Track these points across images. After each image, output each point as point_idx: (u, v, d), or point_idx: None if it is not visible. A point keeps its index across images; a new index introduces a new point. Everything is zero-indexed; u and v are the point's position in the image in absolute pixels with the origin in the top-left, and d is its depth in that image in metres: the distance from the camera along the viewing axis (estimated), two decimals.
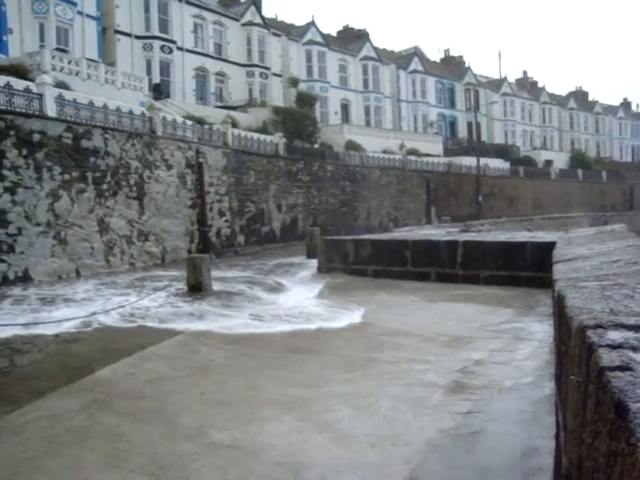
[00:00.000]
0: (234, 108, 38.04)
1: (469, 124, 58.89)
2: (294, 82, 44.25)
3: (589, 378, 1.64)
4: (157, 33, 36.92)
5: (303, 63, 47.94)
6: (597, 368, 1.52)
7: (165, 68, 37.60)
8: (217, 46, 41.72)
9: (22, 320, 10.45)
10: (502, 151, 55.06)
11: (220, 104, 39.96)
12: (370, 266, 14.87)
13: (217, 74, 41.41)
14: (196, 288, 13.01)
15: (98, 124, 19.35)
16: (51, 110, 17.88)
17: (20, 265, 16.00)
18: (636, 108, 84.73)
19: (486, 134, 61.84)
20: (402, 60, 58.38)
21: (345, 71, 51.46)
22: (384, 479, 4.21)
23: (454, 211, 39.65)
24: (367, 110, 52.15)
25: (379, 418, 5.36)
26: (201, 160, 23.13)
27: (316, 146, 36.77)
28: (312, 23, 49.25)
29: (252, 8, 43.70)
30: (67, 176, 17.66)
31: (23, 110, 17.00)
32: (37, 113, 17.36)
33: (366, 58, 52.49)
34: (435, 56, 73.00)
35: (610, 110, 78.43)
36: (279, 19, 53.03)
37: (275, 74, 45.05)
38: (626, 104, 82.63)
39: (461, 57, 67.74)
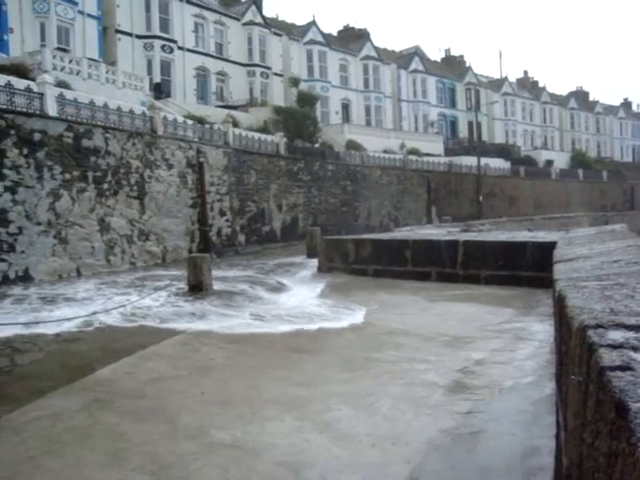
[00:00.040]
0: (235, 108, 38.05)
1: (470, 124, 58.88)
2: (295, 82, 44.25)
3: (590, 378, 1.64)
4: (158, 32, 36.94)
5: (304, 63, 47.94)
6: (598, 368, 1.52)
7: (166, 67, 37.62)
8: (218, 46, 41.74)
9: (23, 319, 10.46)
10: (503, 151, 55.06)
11: (221, 104, 39.99)
12: (371, 266, 14.87)
13: (218, 74, 41.42)
14: (197, 287, 13.01)
15: (99, 123, 19.35)
16: (52, 109, 17.89)
17: (21, 264, 16.01)
18: (637, 108, 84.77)
19: (487, 134, 61.84)
20: (403, 60, 58.38)
21: (346, 71, 51.46)
22: (385, 479, 4.21)
23: (455, 211, 39.64)
24: (368, 110, 52.15)
25: (379, 418, 5.36)
26: (202, 160, 23.13)
27: (317, 146, 36.76)
28: (313, 23, 49.25)
29: (253, 8, 43.71)
30: (68, 175, 17.67)
31: (24, 109, 17.00)
32: (38, 112, 17.36)
33: (367, 58, 52.48)
34: (436, 56, 73.15)
35: (611, 110, 78.41)
36: (280, 19, 53.06)
37: (276, 74, 45.06)
38: (627, 104, 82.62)
39: (462, 57, 67.77)
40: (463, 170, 44.26)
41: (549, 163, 57.45)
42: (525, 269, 12.46)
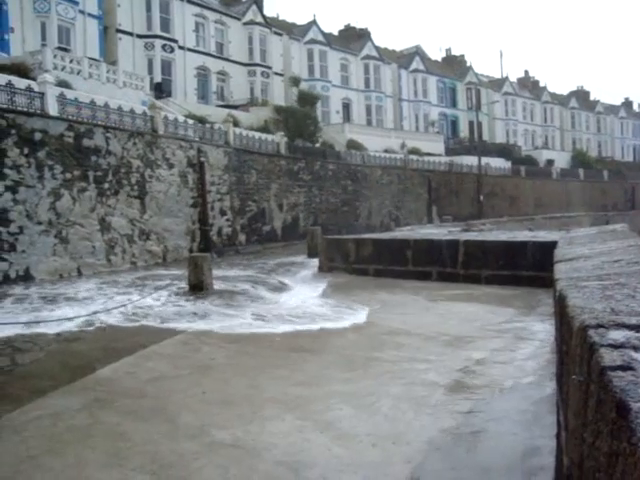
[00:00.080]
0: (235, 107, 38.06)
1: (470, 123, 58.88)
2: (295, 81, 44.24)
3: (590, 378, 1.64)
4: (159, 32, 36.95)
5: (305, 62, 47.94)
6: (598, 368, 1.52)
7: (167, 67, 37.64)
8: (219, 45, 41.74)
9: (24, 319, 10.46)
10: (503, 150, 55.04)
11: (221, 103, 40.00)
12: (371, 265, 14.87)
13: (218, 73, 41.43)
14: (197, 287, 13.01)
15: (100, 123, 19.35)
16: (53, 109, 17.88)
17: (21, 264, 16.02)
18: (637, 108, 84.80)
19: (487, 133, 61.82)
20: (403, 59, 58.37)
21: (346, 70, 51.45)
22: (385, 478, 4.21)
23: (455, 210, 39.62)
24: (368, 109, 52.15)
25: (380, 417, 5.36)
26: (202, 159, 23.14)
27: (317, 145, 36.75)
28: (314, 22, 49.24)
29: (254, 7, 43.71)
30: (68, 175, 17.68)
31: (25, 109, 17.00)
32: (39, 112, 17.36)
33: (367, 57, 52.48)
34: (436, 55, 73.27)
35: (612, 110, 78.38)
36: (280, 18, 53.05)
37: (276, 73, 45.07)
38: (628, 104, 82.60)
39: (462, 56, 67.78)
40: (464, 170, 44.25)
41: (550, 163, 57.44)
42: (526, 269, 12.46)
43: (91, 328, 9.92)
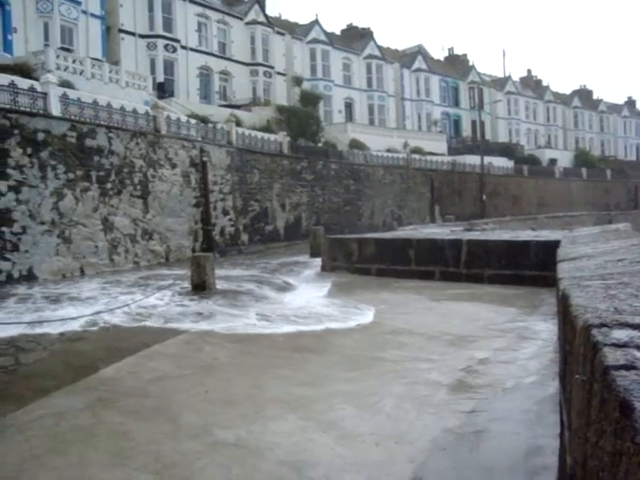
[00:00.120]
0: (238, 107, 38.08)
1: (473, 123, 58.84)
2: (298, 81, 44.23)
3: (594, 377, 1.63)
4: (161, 32, 36.97)
5: (307, 62, 47.93)
6: (602, 367, 1.52)
7: (169, 67, 37.65)
8: (221, 45, 41.77)
9: (27, 319, 10.48)
10: (506, 150, 54.97)
11: (224, 103, 40.01)
12: (374, 265, 14.86)
13: (221, 73, 41.44)
14: (200, 287, 13.01)
15: (102, 123, 19.38)
16: (55, 109, 17.91)
17: (24, 264, 16.04)
18: None
19: (490, 133, 61.76)
20: (406, 59, 58.32)
21: (349, 70, 51.43)
22: (388, 478, 4.21)
23: (458, 210, 39.61)
24: (371, 109, 52.13)
25: (383, 417, 5.35)
26: (205, 159, 23.15)
27: (320, 145, 36.75)
28: (316, 22, 49.24)
29: (256, 7, 43.72)
30: (71, 175, 17.70)
31: (27, 109, 17.03)
32: (41, 112, 17.39)
33: (370, 57, 52.46)
34: (439, 54, 73.18)
35: (614, 109, 78.23)
36: (283, 18, 53.05)
37: (279, 73, 45.07)
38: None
39: (465, 56, 67.71)
40: (466, 169, 44.22)
41: (553, 162, 57.35)
42: (529, 268, 12.45)
43: (94, 328, 9.93)
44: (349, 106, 51.18)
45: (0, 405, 6.09)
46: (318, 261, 16.91)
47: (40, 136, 16.88)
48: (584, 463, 1.74)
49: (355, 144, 39.99)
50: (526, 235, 15.10)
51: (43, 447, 4.96)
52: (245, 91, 42.32)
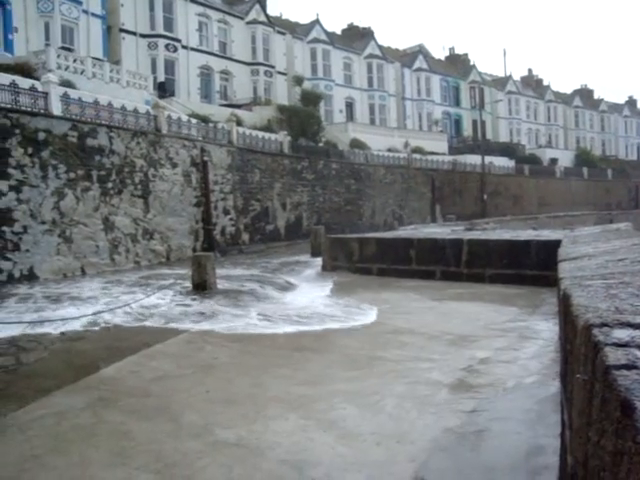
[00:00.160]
0: (239, 106, 38.07)
1: (474, 122, 58.87)
2: (299, 80, 44.23)
3: (595, 377, 1.63)
4: (162, 31, 36.98)
5: (308, 61, 47.95)
6: (603, 367, 1.52)
7: (170, 66, 37.66)
8: (222, 44, 41.78)
9: (28, 318, 10.48)
10: (507, 149, 54.95)
11: (225, 102, 40.01)
12: (375, 264, 14.87)
13: (222, 72, 41.45)
14: (201, 286, 13.01)
15: (103, 122, 19.38)
16: (56, 109, 17.91)
17: (25, 263, 16.05)
18: None
19: (491, 132, 61.77)
20: (407, 58, 58.32)
21: (350, 69, 51.44)
22: (389, 477, 4.21)
23: (459, 209, 39.62)
24: (372, 108, 52.14)
25: (384, 416, 5.35)
26: (206, 158, 23.15)
27: (321, 144, 36.75)
28: (317, 21, 49.25)
29: (257, 6, 43.72)
30: (72, 174, 17.70)
31: (28, 109, 17.03)
32: (42, 112, 17.39)
33: (371, 56, 52.46)
34: (440, 54, 73.10)
35: (615, 108, 78.21)
36: (284, 17, 53.08)
37: (280, 72, 45.08)
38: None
39: (466, 55, 67.75)
40: (467, 169, 44.20)
41: (553, 161, 57.34)
42: (530, 268, 12.45)
43: (95, 327, 9.93)
44: (350, 106, 51.19)
45: (1, 404, 6.10)
46: (319, 261, 16.91)
47: (41, 136, 16.88)
48: (585, 463, 1.74)
49: (356, 144, 39.99)
50: (527, 235, 15.10)
51: (44, 446, 4.96)
52: (246, 91, 42.32)
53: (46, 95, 17.80)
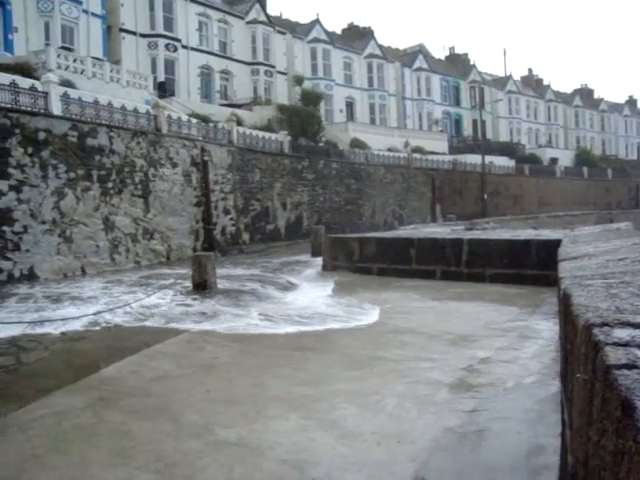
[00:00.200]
0: (239, 106, 38.06)
1: (474, 122, 58.85)
2: (299, 80, 44.22)
3: (595, 376, 1.63)
4: (162, 31, 36.97)
5: (308, 61, 47.94)
6: (603, 366, 1.52)
7: (170, 66, 37.65)
8: (222, 44, 41.76)
9: (28, 318, 10.48)
10: (507, 149, 54.93)
11: (225, 102, 39.99)
12: (375, 264, 14.87)
13: (222, 72, 41.43)
14: (201, 286, 13.01)
15: (103, 122, 19.37)
16: (56, 108, 17.91)
17: (26, 263, 16.05)
18: None
19: (491, 132, 61.75)
20: (407, 58, 58.31)
21: (350, 69, 51.43)
22: (390, 477, 4.21)
23: (459, 209, 39.61)
24: (372, 108, 52.12)
25: (384, 416, 5.35)
26: (206, 158, 23.15)
27: (321, 144, 36.75)
28: (317, 21, 49.24)
29: (257, 6, 43.71)
30: (72, 174, 17.70)
31: (29, 108, 17.02)
32: (42, 111, 17.38)
33: (371, 56, 52.44)
34: (440, 54, 73.14)
35: (616, 108, 78.19)
36: (284, 17, 53.03)
37: (280, 72, 45.06)
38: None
39: (466, 55, 67.72)
40: (467, 168, 44.18)
41: (554, 161, 57.31)
42: (530, 267, 12.45)
43: (96, 327, 9.93)
44: (350, 105, 51.18)
45: (1, 404, 6.10)
46: (319, 260, 16.91)
47: (41, 135, 16.88)
48: (586, 462, 1.74)
49: (356, 143, 39.99)
50: (527, 234, 15.09)
51: (44, 446, 4.96)
52: (246, 90, 42.31)
53: (46, 95, 17.79)
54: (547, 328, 8.28)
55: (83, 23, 32.09)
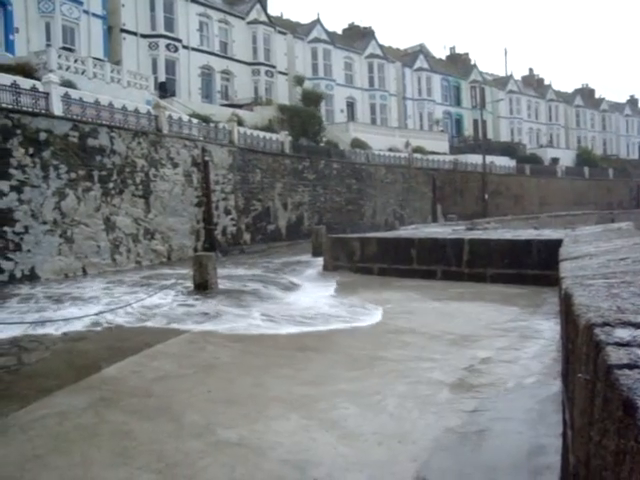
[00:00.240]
0: (240, 106, 38.06)
1: (475, 122, 58.84)
2: (300, 80, 44.22)
3: (597, 376, 1.63)
4: (163, 32, 36.97)
5: (309, 61, 47.93)
6: (605, 366, 1.52)
7: (171, 66, 37.65)
8: (223, 44, 41.75)
9: (29, 318, 10.49)
10: (508, 149, 54.90)
11: (226, 102, 39.99)
12: (376, 264, 14.87)
13: (223, 72, 41.43)
14: (202, 286, 13.02)
15: (104, 123, 19.38)
16: (57, 109, 17.92)
17: (27, 263, 16.06)
18: None
19: (492, 132, 61.72)
20: (408, 58, 58.29)
21: (351, 69, 51.42)
22: (391, 477, 4.21)
23: (460, 209, 39.59)
24: (373, 108, 52.11)
25: (385, 416, 5.35)
26: (207, 158, 23.15)
27: (322, 144, 36.75)
28: (317, 21, 49.22)
29: (257, 6, 43.70)
30: (73, 175, 17.71)
31: (30, 109, 17.04)
32: (43, 112, 17.40)
33: (372, 56, 52.42)
34: (441, 54, 73.05)
35: (617, 107, 78.13)
36: (284, 17, 53.02)
37: (281, 72, 45.05)
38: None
39: (467, 54, 67.69)
40: (468, 168, 44.16)
41: (555, 161, 57.27)
42: (531, 267, 12.45)
43: (97, 328, 9.93)
44: (351, 105, 51.17)
45: (3, 405, 6.10)
46: (320, 260, 16.91)
47: (42, 136, 16.89)
48: (587, 462, 1.74)
49: (357, 143, 39.99)
50: (528, 234, 15.09)
51: (46, 446, 4.96)
52: (247, 90, 42.31)
53: (47, 95, 17.81)
54: (548, 328, 8.28)
55: (84, 24, 32.10)
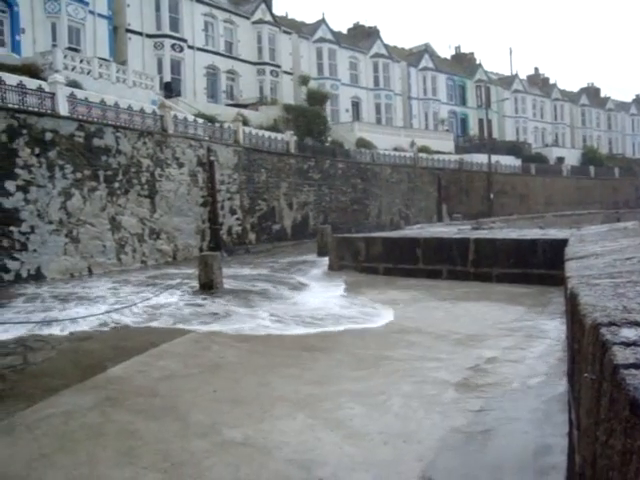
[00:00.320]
0: (245, 106, 38.10)
1: (480, 121, 58.72)
2: (305, 80, 44.23)
3: (603, 376, 1.63)
4: (168, 32, 37.03)
5: (314, 61, 47.92)
6: (611, 366, 1.52)
7: (176, 66, 37.71)
8: (228, 44, 41.79)
9: (35, 318, 10.52)
10: (513, 148, 54.80)
11: (231, 102, 40.05)
12: (381, 264, 14.85)
13: (228, 72, 41.47)
14: (207, 286, 13.04)
15: (110, 123, 19.43)
16: (63, 109, 17.97)
17: (33, 263, 16.11)
18: None
19: (497, 131, 61.60)
20: (413, 57, 58.23)
21: (356, 69, 51.39)
22: (397, 476, 4.20)
23: (465, 208, 39.55)
24: (378, 107, 52.07)
25: (391, 416, 5.35)
26: (212, 158, 23.19)
27: (327, 144, 36.75)
28: (322, 21, 49.22)
29: (262, 6, 43.72)
30: (79, 174, 17.76)
31: (36, 109, 17.10)
32: (49, 112, 17.45)
33: (377, 55, 52.38)
34: (446, 53, 73.06)
35: (622, 106, 77.87)
36: (289, 17, 53.02)
37: (286, 72, 45.07)
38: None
39: (472, 54, 67.56)
40: (474, 168, 44.11)
41: (560, 160, 57.13)
42: (536, 267, 12.42)
43: (103, 327, 9.95)
44: (356, 105, 51.14)
45: (9, 404, 6.12)
46: (326, 260, 16.91)
47: (48, 136, 16.94)
48: (593, 462, 1.74)
49: (362, 143, 39.98)
50: (534, 234, 15.05)
51: (52, 446, 4.98)
52: (252, 90, 42.33)
53: (53, 95, 17.86)
54: (554, 328, 8.26)
55: (89, 24, 32.19)
